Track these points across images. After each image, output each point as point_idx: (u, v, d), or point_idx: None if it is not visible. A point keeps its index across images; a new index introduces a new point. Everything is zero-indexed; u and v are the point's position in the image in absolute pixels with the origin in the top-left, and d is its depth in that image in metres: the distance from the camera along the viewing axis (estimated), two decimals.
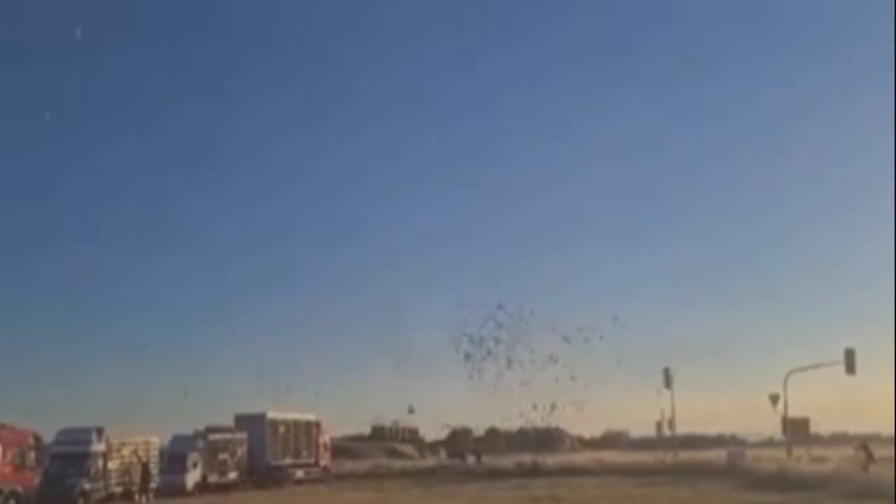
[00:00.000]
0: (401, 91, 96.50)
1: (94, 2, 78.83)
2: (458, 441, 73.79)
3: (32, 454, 29.14)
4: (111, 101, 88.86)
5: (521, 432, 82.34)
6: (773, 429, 60.23)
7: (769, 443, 66.24)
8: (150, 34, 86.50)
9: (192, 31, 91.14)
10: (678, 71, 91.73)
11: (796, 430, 44.35)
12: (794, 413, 44.32)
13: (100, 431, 30.41)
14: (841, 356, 40.10)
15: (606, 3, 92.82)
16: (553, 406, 52.10)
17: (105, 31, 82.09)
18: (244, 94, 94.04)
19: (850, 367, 39.65)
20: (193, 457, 35.04)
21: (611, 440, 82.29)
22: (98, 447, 30.13)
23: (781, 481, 32.42)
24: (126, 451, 31.51)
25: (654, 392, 49.03)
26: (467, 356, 50.49)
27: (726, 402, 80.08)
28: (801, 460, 39.87)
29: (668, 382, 48.61)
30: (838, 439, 66.17)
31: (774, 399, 42.90)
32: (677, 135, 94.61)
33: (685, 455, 48.12)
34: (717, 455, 45.13)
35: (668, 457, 47.55)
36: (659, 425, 50.43)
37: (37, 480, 29.03)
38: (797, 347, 79.88)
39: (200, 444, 35.75)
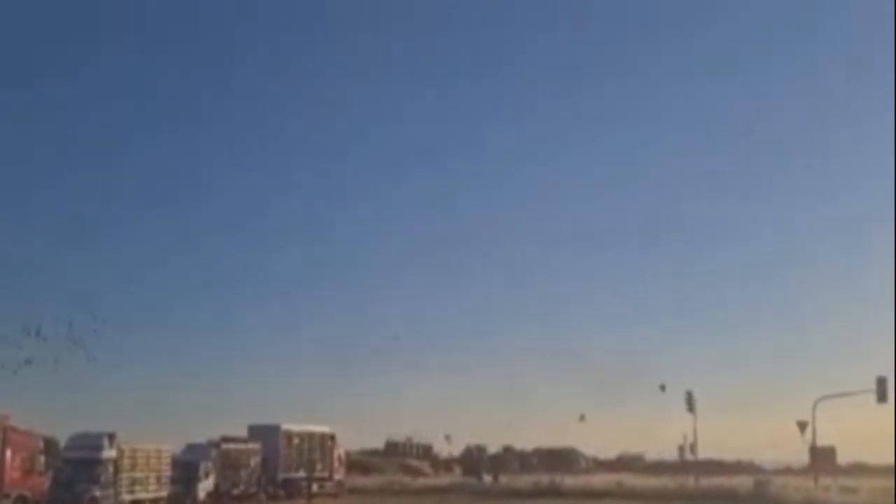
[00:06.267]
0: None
1: None
2: (473, 459, 72.77)
3: (42, 458, 28.48)
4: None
5: (536, 451, 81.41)
6: (793, 456, 58.81)
7: (787, 471, 64.58)
8: None
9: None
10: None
11: (822, 458, 42.98)
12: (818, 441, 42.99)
13: (111, 437, 29.71)
14: (871, 384, 38.88)
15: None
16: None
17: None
18: None
19: (882, 395, 38.41)
20: (206, 466, 34.33)
21: (627, 462, 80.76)
22: (109, 453, 29.42)
23: None
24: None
25: (673, 414, 48.02)
26: None
27: (747, 428, 78.42)
28: (830, 490, 38.57)
29: (690, 406, 47.44)
30: (858, 470, 64.32)
31: (802, 426, 41.62)
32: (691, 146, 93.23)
33: (707, 481, 46.87)
34: (742, 481, 43.88)
35: (690, 482, 46.33)
36: (681, 449, 49.17)
37: (46, 485, 28.38)
38: (822, 374, 78.28)
39: (213, 453, 35.06)
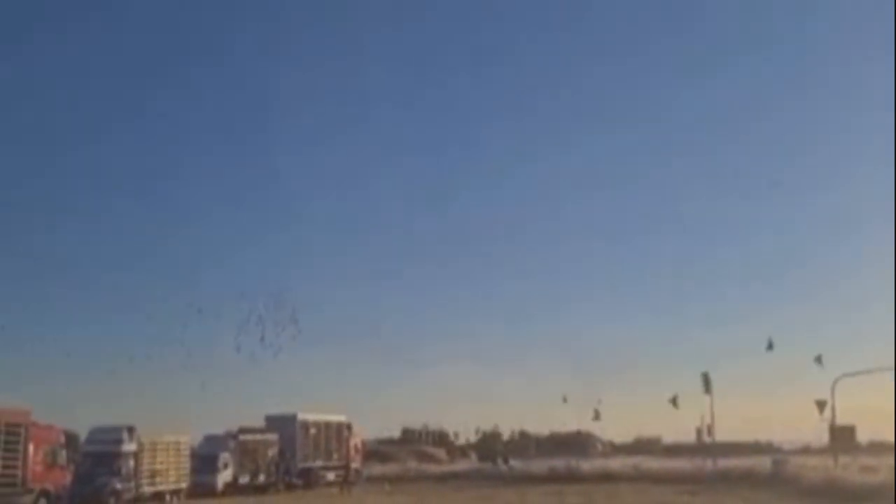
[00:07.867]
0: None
1: None
2: (488, 445, 72.90)
3: (64, 452, 28.70)
4: None
5: (552, 436, 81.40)
6: (811, 436, 58.61)
7: (806, 450, 64.34)
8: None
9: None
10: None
11: (842, 437, 42.85)
12: (837, 420, 42.82)
13: (131, 430, 29.92)
14: (891, 361, 38.59)
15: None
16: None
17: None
18: None
19: None
20: (224, 457, 34.59)
21: (644, 446, 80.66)
22: (129, 446, 29.64)
23: (832, 491, 31.19)
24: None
25: (689, 397, 47.82)
26: None
27: (764, 409, 78.12)
28: (849, 469, 38.39)
29: (707, 387, 47.20)
30: (878, 448, 64.07)
31: (821, 405, 41.42)
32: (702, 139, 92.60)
33: (724, 462, 46.73)
34: (760, 462, 43.72)
35: (707, 464, 46.20)
36: (699, 431, 48.98)
37: (68, 479, 28.59)
38: (839, 353, 77.88)
39: (231, 444, 35.29)
